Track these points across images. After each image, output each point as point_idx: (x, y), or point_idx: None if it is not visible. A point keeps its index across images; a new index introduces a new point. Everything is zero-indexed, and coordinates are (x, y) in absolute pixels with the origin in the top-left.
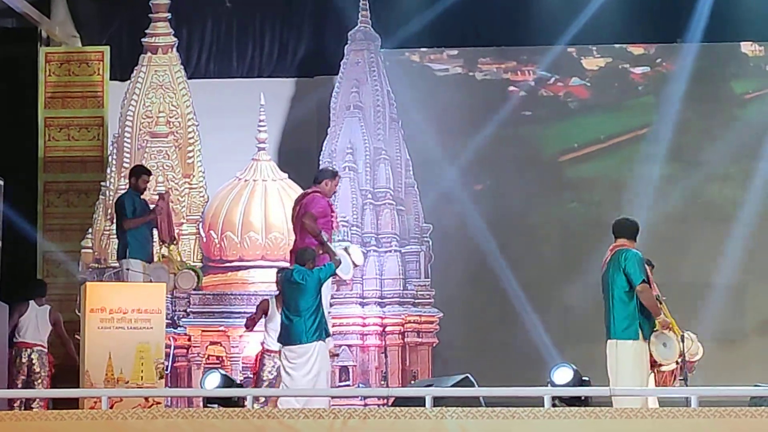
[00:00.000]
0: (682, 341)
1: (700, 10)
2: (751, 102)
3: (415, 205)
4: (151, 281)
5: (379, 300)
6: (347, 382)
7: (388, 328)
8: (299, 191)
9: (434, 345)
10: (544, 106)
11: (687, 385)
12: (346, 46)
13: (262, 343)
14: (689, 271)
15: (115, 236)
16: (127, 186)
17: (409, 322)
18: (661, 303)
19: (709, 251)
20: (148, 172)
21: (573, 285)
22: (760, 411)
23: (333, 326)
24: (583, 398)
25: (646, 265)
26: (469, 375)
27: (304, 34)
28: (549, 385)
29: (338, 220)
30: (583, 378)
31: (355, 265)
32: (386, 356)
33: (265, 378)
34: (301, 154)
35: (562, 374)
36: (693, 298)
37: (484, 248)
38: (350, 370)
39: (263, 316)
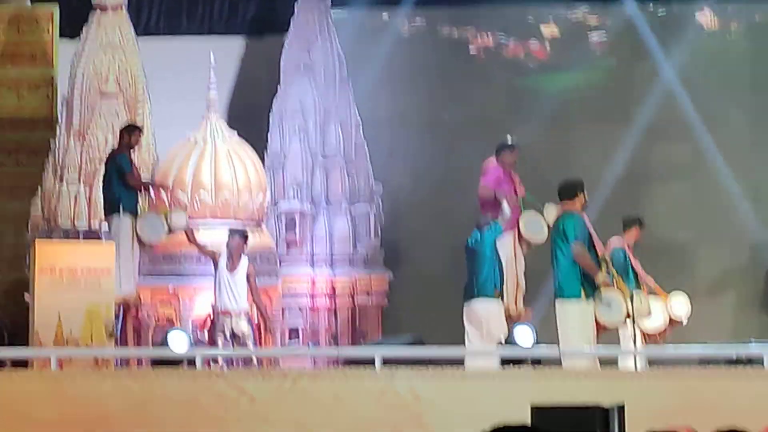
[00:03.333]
0: (631, 301)
1: None
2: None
3: (365, 165)
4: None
5: (329, 261)
6: (297, 343)
7: (338, 289)
8: (249, 150)
9: (384, 306)
10: (499, 67)
11: (635, 345)
12: (296, 5)
13: (213, 305)
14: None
15: (64, 195)
16: (118, 144)
17: (359, 282)
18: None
19: (659, 209)
20: (140, 128)
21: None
22: (709, 371)
23: (283, 287)
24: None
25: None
26: (419, 335)
27: None
28: (500, 344)
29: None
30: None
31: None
32: (336, 317)
33: (217, 339)
34: (250, 113)
35: (522, 333)
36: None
37: (435, 208)
38: (300, 330)
39: (214, 265)
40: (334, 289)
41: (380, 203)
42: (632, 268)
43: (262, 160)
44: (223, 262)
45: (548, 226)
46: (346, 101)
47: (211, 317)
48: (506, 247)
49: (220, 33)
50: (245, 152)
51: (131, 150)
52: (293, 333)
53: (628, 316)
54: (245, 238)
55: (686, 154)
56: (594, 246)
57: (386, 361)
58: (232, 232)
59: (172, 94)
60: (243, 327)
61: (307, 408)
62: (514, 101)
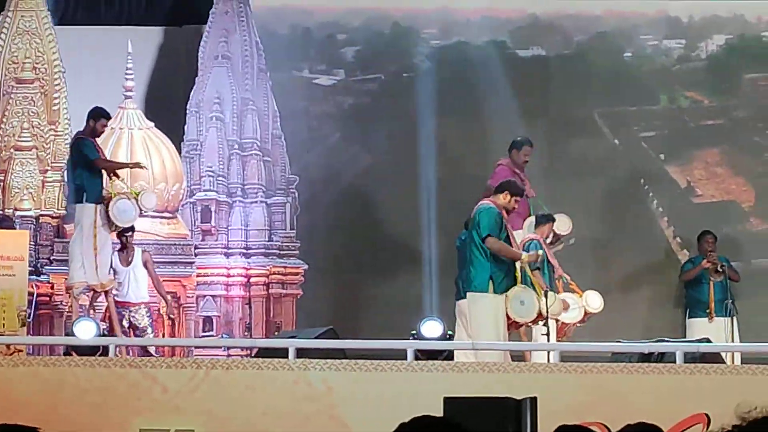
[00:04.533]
0: (546, 298)
1: None
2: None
3: (282, 156)
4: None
5: (244, 251)
6: (211, 333)
7: (252, 279)
8: (165, 140)
9: (299, 297)
10: (401, 59)
11: (548, 340)
12: None
13: (114, 296)
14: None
15: None
16: (83, 129)
17: (274, 273)
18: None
19: (576, 206)
20: (108, 116)
21: (443, 238)
22: (621, 367)
23: (197, 277)
24: (446, 352)
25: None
26: (333, 327)
27: None
28: (412, 338)
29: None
30: (448, 332)
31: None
32: (250, 307)
33: (121, 329)
34: (168, 103)
35: (430, 328)
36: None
37: (351, 200)
38: (214, 320)
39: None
40: (248, 279)
41: (296, 194)
42: (548, 261)
43: (179, 149)
44: (116, 257)
45: (554, 233)
46: (264, 92)
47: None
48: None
49: (139, 23)
50: (162, 141)
51: (97, 136)
52: (207, 323)
53: (540, 314)
54: (132, 229)
55: (603, 149)
56: (511, 242)
57: (300, 352)
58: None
59: (89, 83)
60: (141, 319)
61: (220, 398)
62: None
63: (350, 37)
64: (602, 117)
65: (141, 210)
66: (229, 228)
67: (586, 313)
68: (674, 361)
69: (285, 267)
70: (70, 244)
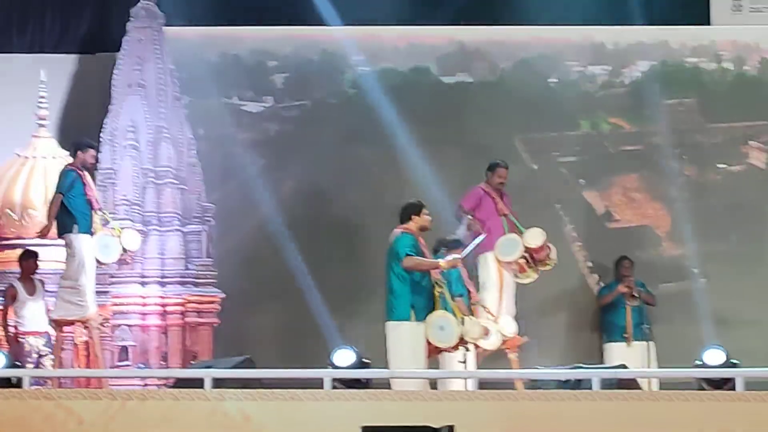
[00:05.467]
0: (462, 324)
1: None
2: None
3: (198, 184)
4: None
5: (160, 279)
6: (126, 363)
7: (168, 308)
8: None
9: (215, 325)
10: (328, 86)
11: (466, 368)
12: (128, 24)
13: (15, 327)
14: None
15: None
16: (72, 161)
17: (191, 302)
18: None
19: None
20: (94, 146)
21: (358, 267)
22: (539, 394)
23: (113, 306)
24: (363, 380)
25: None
26: (250, 357)
27: (87, 11)
28: (330, 367)
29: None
30: (364, 360)
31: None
32: (167, 336)
33: (30, 360)
34: (82, 131)
35: (343, 356)
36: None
37: (268, 228)
38: (129, 350)
39: (12, 301)
40: (165, 308)
41: (213, 222)
42: (464, 284)
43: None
44: (19, 286)
45: (524, 248)
46: (179, 119)
47: (15, 338)
48: (489, 268)
49: (52, 50)
50: None
51: (87, 168)
52: (123, 352)
53: (461, 339)
54: (36, 258)
55: (520, 175)
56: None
57: (217, 382)
58: (25, 254)
59: (2, 112)
60: (42, 347)
61: (136, 429)
62: (344, 118)
63: (280, 64)
64: (523, 143)
65: (123, 248)
66: (145, 256)
67: (504, 342)
68: (591, 388)
69: (201, 296)
70: (62, 276)
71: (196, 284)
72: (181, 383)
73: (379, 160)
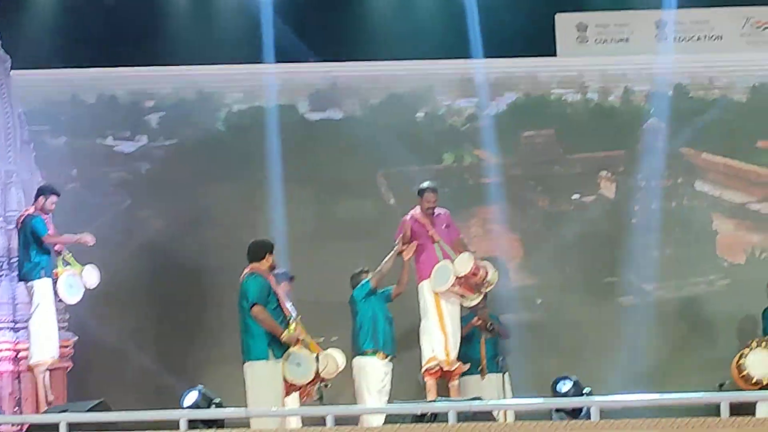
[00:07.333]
0: (317, 360)
1: None
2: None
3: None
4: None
5: (13, 325)
6: None
7: (21, 353)
8: None
9: (69, 369)
10: (201, 125)
11: (323, 404)
12: None
13: None
14: (327, 288)
15: None
16: (33, 207)
17: None
18: (292, 322)
19: (342, 268)
20: (58, 192)
21: (213, 308)
22: (395, 428)
23: None
24: (219, 421)
25: (288, 281)
26: (104, 400)
27: None
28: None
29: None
30: (214, 400)
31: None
32: (20, 382)
33: None
34: None
35: (193, 398)
36: (328, 314)
37: (123, 272)
38: None
39: None
40: (17, 353)
41: None
42: None
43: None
44: None
45: (456, 276)
46: (28, 163)
47: None
48: (426, 296)
49: None
50: None
51: (46, 213)
52: None
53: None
54: None
55: (376, 211)
56: (282, 306)
57: (72, 426)
58: None
59: None
60: None
61: None
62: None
63: (157, 104)
64: (385, 177)
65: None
66: None
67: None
68: (447, 421)
69: None
70: (32, 321)
71: None
72: (35, 429)
73: (239, 197)
